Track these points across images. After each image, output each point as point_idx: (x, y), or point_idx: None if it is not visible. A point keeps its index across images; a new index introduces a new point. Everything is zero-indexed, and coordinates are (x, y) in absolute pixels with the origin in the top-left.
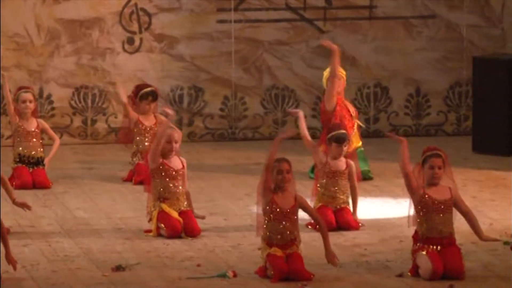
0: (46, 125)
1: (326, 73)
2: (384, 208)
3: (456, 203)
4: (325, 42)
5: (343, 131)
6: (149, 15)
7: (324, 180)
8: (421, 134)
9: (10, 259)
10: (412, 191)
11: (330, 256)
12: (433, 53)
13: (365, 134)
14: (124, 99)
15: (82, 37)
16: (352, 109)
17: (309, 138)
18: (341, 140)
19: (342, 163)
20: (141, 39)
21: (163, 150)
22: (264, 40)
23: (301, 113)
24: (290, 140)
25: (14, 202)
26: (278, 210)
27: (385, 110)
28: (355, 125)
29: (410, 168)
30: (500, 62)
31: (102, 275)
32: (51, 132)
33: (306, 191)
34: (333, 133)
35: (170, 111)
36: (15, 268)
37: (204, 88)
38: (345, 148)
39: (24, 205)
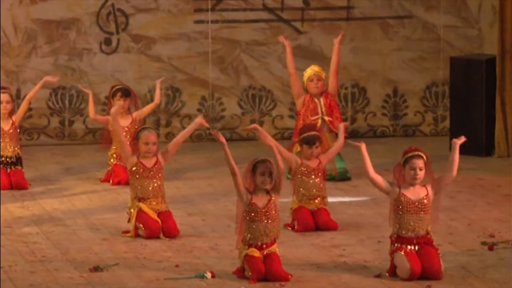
0: (18, 113)
1: (306, 73)
2: (362, 209)
3: (435, 187)
4: (281, 38)
5: (314, 133)
6: (126, 16)
7: (300, 181)
8: (398, 134)
9: None
10: (385, 193)
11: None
12: (410, 53)
13: None
14: (92, 114)
15: (59, 38)
16: (322, 108)
17: (281, 149)
18: (311, 141)
19: (315, 161)
20: (118, 40)
21: (141, 152)
22: (241, 40)
23: (257, 127)
24: None
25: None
26: (258, 210)
27: (363, 110)
28: (318, 123)
29: (373, 173)
30: (477, 63)
31: (80, 276)
32: (21, 109)
33: (285, 192)
34: (304, 135)
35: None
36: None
37: (181, 88)
38: (316, 149)
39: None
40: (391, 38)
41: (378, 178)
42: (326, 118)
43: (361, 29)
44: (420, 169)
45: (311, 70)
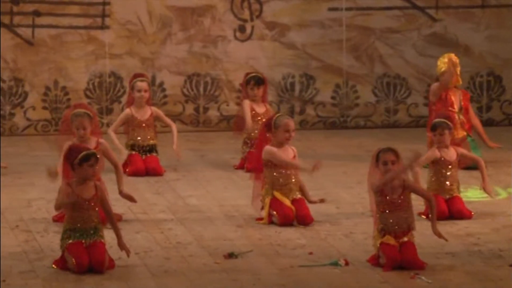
0: (160, 112)
1: (441, 64)
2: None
3: None
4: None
5: (441, 119)
6: (260, 3)
7: (434, 170)
8: None
9: (122, 246)
10: None
11: (436, 231)
12: None
13: None
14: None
15: (194, 25)
16: (456, 101)
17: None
18: (437, 127)
19: (452, 153)
20: (252, 27)
21: (279, 140)
22: (376, 28)
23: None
24: (401, 129)
25: (120, 193)
26: (388, 200)
27: (498, 99)
28: (456, 117)
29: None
30: None
31: (215, 263)
32: (166, 119)
33: (422, 182)
34: (433, 121)
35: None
36: (128, 255)
37: (315, 76)
38: (442, 137)
39: (130, 198)
40: None
41: None
42: (462, 116)
43: (497, 16)
44: None
45: (449, 60)
